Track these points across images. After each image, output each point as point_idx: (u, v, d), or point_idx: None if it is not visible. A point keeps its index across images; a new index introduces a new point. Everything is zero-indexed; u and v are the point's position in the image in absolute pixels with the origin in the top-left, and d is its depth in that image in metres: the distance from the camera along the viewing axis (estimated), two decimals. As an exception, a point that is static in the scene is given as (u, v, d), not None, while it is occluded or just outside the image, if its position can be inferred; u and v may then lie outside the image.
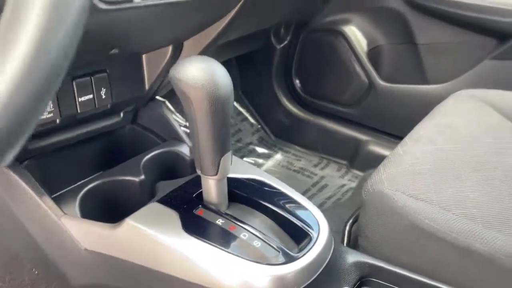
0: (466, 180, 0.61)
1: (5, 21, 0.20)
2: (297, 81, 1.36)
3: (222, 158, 0.49)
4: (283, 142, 1.39)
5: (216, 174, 0.49)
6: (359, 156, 1.28)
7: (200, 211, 0.51)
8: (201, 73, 0.44)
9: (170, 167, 0.68)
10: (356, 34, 1.23)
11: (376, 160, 1.22)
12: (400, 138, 1.19)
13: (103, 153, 0.71)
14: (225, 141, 0.48)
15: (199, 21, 0.58)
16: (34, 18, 0.19)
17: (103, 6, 0.43)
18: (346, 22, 1.22)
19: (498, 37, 1.02)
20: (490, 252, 0.49)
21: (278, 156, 1.35)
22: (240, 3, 0.59)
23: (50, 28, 0.20)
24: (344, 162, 1.31)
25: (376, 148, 1.25)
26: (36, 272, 0.63)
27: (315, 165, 1.31)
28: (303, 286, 0.47)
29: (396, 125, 1.21)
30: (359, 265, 0.53)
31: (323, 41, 1.26)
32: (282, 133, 1.40)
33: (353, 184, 1.24)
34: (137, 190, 0.62)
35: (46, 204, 0.53)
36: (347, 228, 0.75)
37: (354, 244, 0.67)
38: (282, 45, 1.31)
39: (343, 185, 1.23)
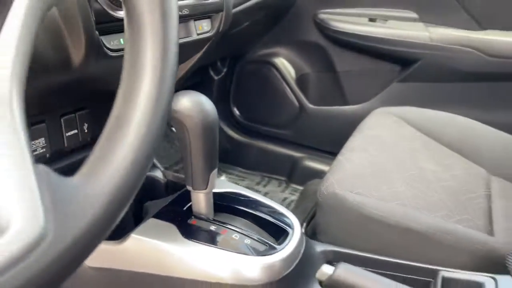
0: (395, 179, 0.77)
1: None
2: (235, 109, 1.48)
3: (211, 174, 0.58)
4: (226, 165, 1.49)
5: (206, 188, 0.58)
6: (296, 172, 1.42)
7: (193, 221, 0.60)
8: (193, 104, 0.54)
9: (149, 189, 0.75)
10: (285, 65, 1.39)
11: (311, 174, 1.37)
12: (329, 152, 1.37)
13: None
14: (214, 159, 0.57)
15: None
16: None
17: (110, 53, 0.52)
18: (276, 54, 1.38)
19: (401, 64, 1.24)
20: (425, 229, 0.63)
21: (223, 178, 1.44)
22: (207, 45, 0.70)
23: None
24: (283, 178, 1.44)
25: (311, 163, 1.40)
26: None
27: (258, 183, 1.43)
28: (286, 272, 0.57)
29: (325, 141, 1.37)
30: (325, 253, 0.65)
31: (256, 71, 1.41)
32: (224, 157, 1.50)
33: (294, 197, 1.37)
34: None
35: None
36: (303, 228, 0.87)
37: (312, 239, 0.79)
38: (219, 76, 1.43)
39: (285, 198, 1.35)
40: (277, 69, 1.38)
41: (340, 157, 0.84)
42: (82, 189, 0.24)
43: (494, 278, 0.55)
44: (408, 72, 1.22)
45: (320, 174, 1.34)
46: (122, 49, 0.53)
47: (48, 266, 0.21)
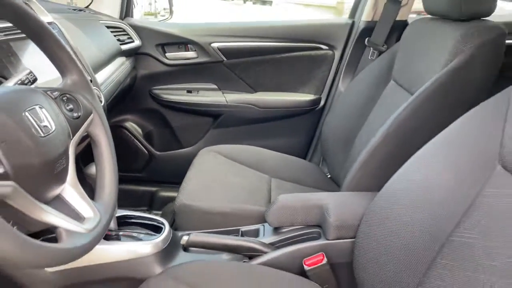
0: (217, 190, 1.31)
1: None
2: (99, 163, 1.87)
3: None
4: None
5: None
6: (154, 202, 1.88)
7: (108, 232, 1.03)
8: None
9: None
10: (134, 126, 1.86)
11: (166, 200, 1.85)
12: (176, 183, 1.86)
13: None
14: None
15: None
16: None
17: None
18: (126, 120, 1.84)
19: (212, 117, 1.83)
20: (231, 210, 1.19)
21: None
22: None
23: None
24: (146, 208, 1.89)
25: (164, 193, 1.88)
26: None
27: (126, 216, 1.84)
28: (164, 246, 1.05)
29: (172, 176, 1.87)
30: (182, 235, 1.14)
31: (112, 134, 1.84)
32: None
33: (156, 220, 1.82)
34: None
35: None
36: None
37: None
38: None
39: (150, 222, 1.80)
40: (128, 130, 1.84)
41: (184, 184, 1.35)
42: (100, 207, 0.70)
43: (263, 225, 1.14)
44: (217, 122, 1.82)
45: (172, 199, 1.83)
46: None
47: (98, 236, 0.67)
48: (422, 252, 0.78)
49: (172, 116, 1.83)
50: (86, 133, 0.78)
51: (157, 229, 1.10)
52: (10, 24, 1.00)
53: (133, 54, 1.67)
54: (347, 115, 1.54)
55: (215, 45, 1.72)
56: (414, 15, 1.69)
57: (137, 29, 1.69)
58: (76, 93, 0.76)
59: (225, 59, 1.75)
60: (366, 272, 0.88)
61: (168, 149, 1.87)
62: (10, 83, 0.76)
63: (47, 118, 0.64)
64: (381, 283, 0.84)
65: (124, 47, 1.55)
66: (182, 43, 1.74)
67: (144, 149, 1.85)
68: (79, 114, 0.74)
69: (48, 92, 0.70)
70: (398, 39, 1.59)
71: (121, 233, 1.05)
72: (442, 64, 1.07)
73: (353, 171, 1.12)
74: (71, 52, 0.77)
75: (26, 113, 0.60)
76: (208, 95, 1.80)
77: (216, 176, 1.40)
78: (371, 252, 0.88)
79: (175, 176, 1.85)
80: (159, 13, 1.99)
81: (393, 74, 1.44)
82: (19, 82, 0.79)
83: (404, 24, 1.62)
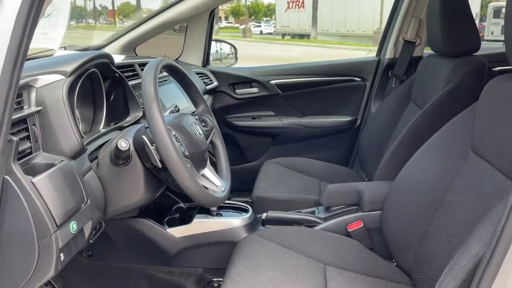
0: (282, 187, 1.76)
1: None
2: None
3: (216, 192, 1.50)
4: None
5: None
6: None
7: (212, 212, 1.50)
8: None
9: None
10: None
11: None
12: (247, 190, 2.33)
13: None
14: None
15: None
16: None
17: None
18: (205, 142, 2.34)
19: (271, 137, 2.30)
20: (291, 198, 1.63)
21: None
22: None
23: None
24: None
25: (236, 198, 2.34)
26: (142, 266, 1.47)
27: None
28: (250, 221, 1.49)
29: (242, 184, 2.33)
30: (261, 216, 1.59)
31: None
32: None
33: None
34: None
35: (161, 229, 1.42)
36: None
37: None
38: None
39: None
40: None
41: (256, 184, 1.80)
42: (223, 181, 1.17)
43: (317, 207, 1.56)
44: (276, 141, 2.28)
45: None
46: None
47: (226, 195, 1.14)
48: (425, 212, 1.17)
49: (240, 137, 2.32)
50: (211, 140, 1.26)
51: (242, 211, 1.56)
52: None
53: (213, 92, 2.19)
54: (378, 131, 1.95)
55: (273, 82, 2.21)
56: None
57: (215, 73, 2.21)
58: (204, 116, 1.25)
59: (280, 92, 2.23)
60: (390, 230, 1.29)
61: (237, 163, 2.34)
62: (167, 112, 1.27)
63: (199, 128, 1.12)
64: (400, 237, 1.23)
65: (207, 87, 2.07)
66: (247, 82, 2.24)
67: (220, 164, 2.33)
68: (208, 128, 1.23)
69: (193, 116, 1.19)
70: (415, 70, 2.00)
71: (221, 212, 1.51)
72: (440, 88, 1.48)
73: (380, 167, 1.54)
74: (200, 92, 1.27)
75: (191, 126, 1.09)
76: (268, 120, 2.28)
77: (279, 179, 1.84)
78: (392, 217, 1.29)
79: (243, 184, 2.30)
80: (224, 58, 2.52)
81: (412, 97, 1.85)
82: (171, 112, 1.30)
83: (419, 59, 2.03)
